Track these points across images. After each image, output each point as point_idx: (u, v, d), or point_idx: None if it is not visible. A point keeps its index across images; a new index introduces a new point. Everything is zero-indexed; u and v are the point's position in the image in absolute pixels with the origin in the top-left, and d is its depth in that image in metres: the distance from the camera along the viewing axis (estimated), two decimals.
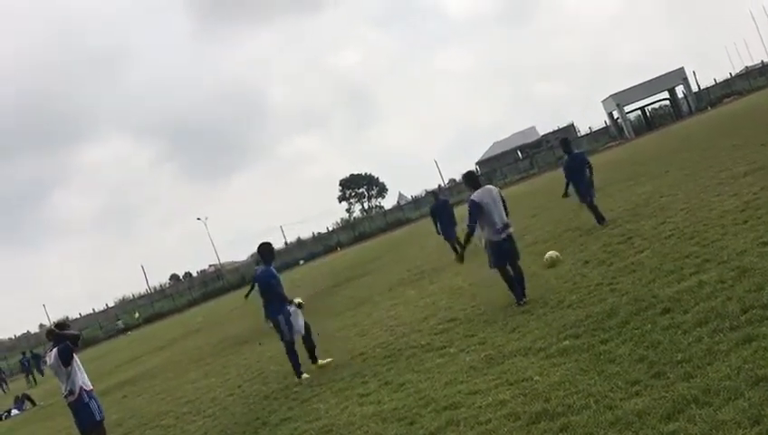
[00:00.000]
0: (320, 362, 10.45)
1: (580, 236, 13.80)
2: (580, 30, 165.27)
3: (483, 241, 9.92)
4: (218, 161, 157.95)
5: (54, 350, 8.28)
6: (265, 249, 10.95)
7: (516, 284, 9.60)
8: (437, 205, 19.04)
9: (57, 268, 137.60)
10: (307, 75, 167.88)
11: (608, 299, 8.01)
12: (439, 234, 18.58)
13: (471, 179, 10.17)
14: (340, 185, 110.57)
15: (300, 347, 10.44)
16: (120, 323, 70.39)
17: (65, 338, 8.39)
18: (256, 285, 11.25)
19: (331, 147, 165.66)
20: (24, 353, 41.98)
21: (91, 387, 8.54)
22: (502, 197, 9.74)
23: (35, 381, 36.39)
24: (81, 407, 8.30)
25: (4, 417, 22.09)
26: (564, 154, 14.67)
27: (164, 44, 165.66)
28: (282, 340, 10.51)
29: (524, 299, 9.41)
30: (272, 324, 10.94)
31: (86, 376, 8.51)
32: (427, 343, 9.24)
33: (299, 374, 10.10)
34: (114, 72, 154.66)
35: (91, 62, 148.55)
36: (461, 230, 10.79)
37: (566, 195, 14.72)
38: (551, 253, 11.34)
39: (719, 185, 13.59)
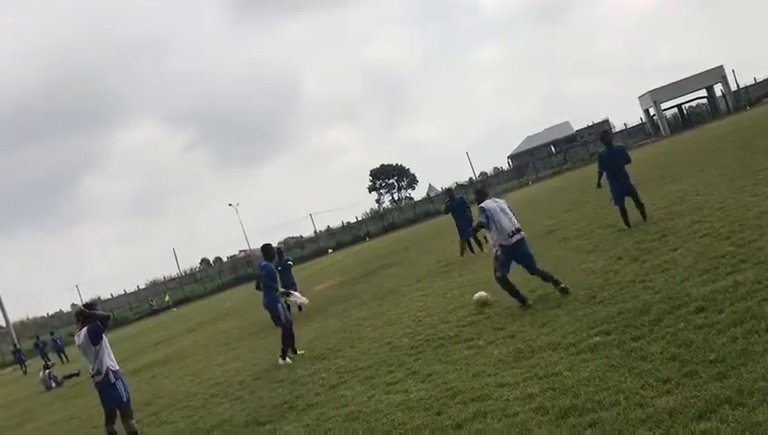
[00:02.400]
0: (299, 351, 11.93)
1: (612, 232, 13.64)
2: (617, 26, 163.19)
3: (492, 243, 10.05)
4: (251, 149, 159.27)
5: (84, 329, 8.40)
6: (265, 249, 12.74)
7: (547, 279, 9.66)
8: (453, 203, 19.07)
9: (90, 250, 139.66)
10: (341, 66, 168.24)
11: (640, 296, 7.93)
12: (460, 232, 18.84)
13: (479, 194, 10.46)
14: (371, 175, 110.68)
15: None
16: (153, 303, 71.40)
17: (95, 318, 8.50)
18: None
19: (362, 137, 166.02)
20: (38, 337, 42.50)
21: (118, 367, 8.65)
22: (509, 207, 10.00)
23: (25, 371, 36.76)
24: (107, 387, 8.41)
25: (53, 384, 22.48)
26: (603, 146, 14.45)
27: (199, 33, 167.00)
28: (278, 325, 12.05)
29: (562, 284, 9.44)
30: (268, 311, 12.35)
31: (114, 357, 8.63)
32: (455, 334, 9.23)
33: (284, 356, 11.59)
34: (150, 59, 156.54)
35: (128, 49, 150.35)
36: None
37: (599, 185, 14.53)
38: (479, 294, 11.08)
39: (756, 185, 13.35)
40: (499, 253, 9.81)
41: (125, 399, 8.49)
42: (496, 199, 10.10)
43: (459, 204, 19.06)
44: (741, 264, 7.92)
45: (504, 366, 6.99)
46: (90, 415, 12.52)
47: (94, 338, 8.33)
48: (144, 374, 16.80)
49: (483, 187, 11.04)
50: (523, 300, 9.64)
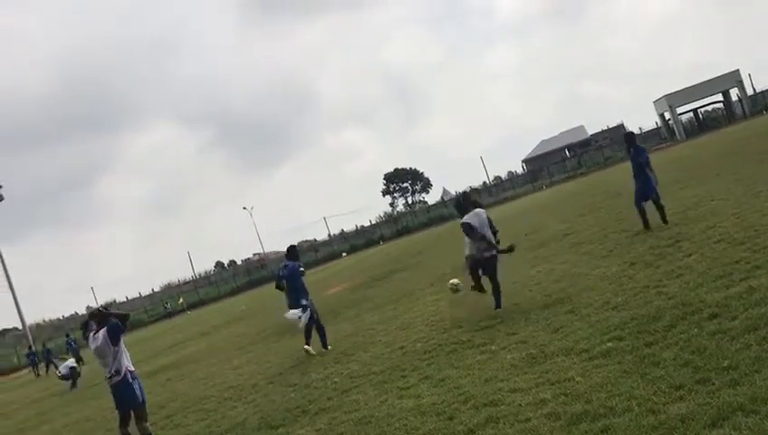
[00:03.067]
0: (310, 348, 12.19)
1: (627, 237, 13.61)
2: (632, 29, 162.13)
3: (466, 252, 10.74)
4: (266, 152, 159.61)
5: (103, 330, 8.41)
6: (290, 250, 13.11)
7: (493, 295, 10.54)
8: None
9: (106, 252, 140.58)
10: (356, 69, 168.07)
11: (653, 302, 7.91)
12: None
13: (460, 206, 11.05)
14: (385, 179, 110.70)
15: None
16: (168, 306, 71.72)
17: (114, 317, 8.54)
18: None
19: (377, 141, 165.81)
20: (30, 347, 42.30)
21: (134, 369, 8.69)
22: (489, 219, 10.58)
23: (38, 374, 36.72)
24: (125, 387, 8.43)
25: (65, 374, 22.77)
26: (630, 148, 14.46)
27: (215, 36, 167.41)
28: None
29: (499, 309, 10.32)
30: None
31: (130, 358, 8.67)
32: (468, 339, 9.23)
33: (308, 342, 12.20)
34: (165, 61, 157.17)
35: (143, 52, 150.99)
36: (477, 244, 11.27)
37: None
38: (452, 281, 11.97)
39: None
40: (468, 261, 10.67)
41: (141, 400, 8.53)
42: (478, 211, 10.58)
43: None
44: (756, 270, 7.88)
45: (516, 371, 6.99)
46: (104, 417, 12.61)
47: (114, 338, 8.35)
48: (158, 377, 16.89)
49: (465, 196, 11.17)
50: (480, 289, 10.62)
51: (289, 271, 12.62)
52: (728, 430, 4.25)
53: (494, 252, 10.41)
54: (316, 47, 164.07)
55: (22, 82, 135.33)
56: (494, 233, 10.56)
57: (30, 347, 43.57)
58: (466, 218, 10.50)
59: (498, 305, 10.41)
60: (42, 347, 40.05)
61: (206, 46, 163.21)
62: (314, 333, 12.34)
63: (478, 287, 10.73)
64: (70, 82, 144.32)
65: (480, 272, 10.61)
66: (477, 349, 8.51)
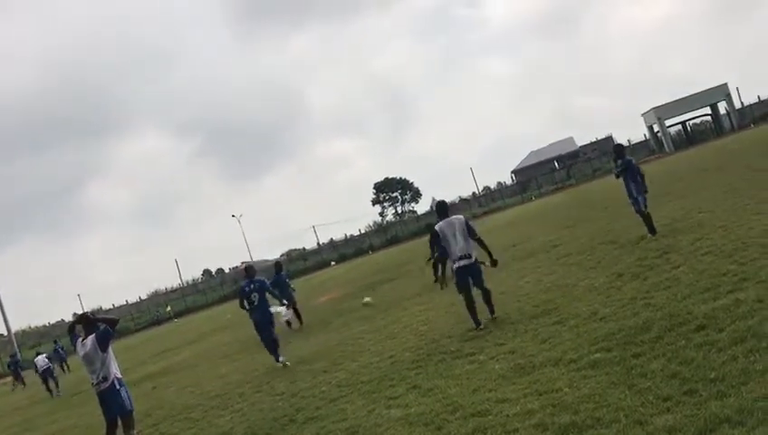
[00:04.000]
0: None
1: (615, 249, 13.66)
2: (622, 43, 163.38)
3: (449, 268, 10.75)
4: (255, 160, 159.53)
5: (91, 336, 8.32)
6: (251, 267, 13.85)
7: (485, 303, 10.37)
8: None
9: (93, 259, 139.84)
10: (346, 79, 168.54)
11: (641, 313, 7.93)
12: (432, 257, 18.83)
13: (439, 210, 10.83)
14: (375, 188, 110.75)
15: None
16: (160, 313, 71.52)
17: (102, 322, 8.46)
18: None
19: (367, 150, 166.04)
20: (12, 356, 41.76)
21: (121, 376, 8.62)
22: (468, 226, 10.34)
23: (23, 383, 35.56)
24: (112, 394, 8.33)
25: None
26: (618, 160, 14.53)
27: (206, 44, 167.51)
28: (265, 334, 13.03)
29: (494, 315, 10.34)
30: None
31: (118, 365, 8.61)
32: (457, 349, 9.23)
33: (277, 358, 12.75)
34: (156, 69, 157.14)
35: (133, 59, 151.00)
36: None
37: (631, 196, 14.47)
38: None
39: (759, 204, 13.36)
40: (454, 273, 10.49)
41: (128, 408, 8.44)
42: (454, 220, 10.42)
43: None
44: (743, 282, 7.91)
45: (504, 382, 6.99)
46: (91, 424, 12.52)
47: (104, 344, 8.27)
48: (145, 385, 16.79)
49: (442, 203, 11.15)
50: (478, 324, 10.10)
51: (260, 286, 13.20)
52: None
53: (467, 262, 10.19)
54: (307, 56, 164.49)
55: (11, 87, 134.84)
56: (477, 240, 10.30)
57: (13, 355, 43.06)
58: (438, 225, 10.49)
59: (492, 312, 10.37)
60: (53, 344, 39.62)
61: (197, 54, 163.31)
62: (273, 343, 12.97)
63: (440, 281, 10.68)
64: (60, 88, 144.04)
65: (466, 285, 10.36)
66: (466, 359, 8.50)
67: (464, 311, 10.46)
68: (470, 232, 10.26)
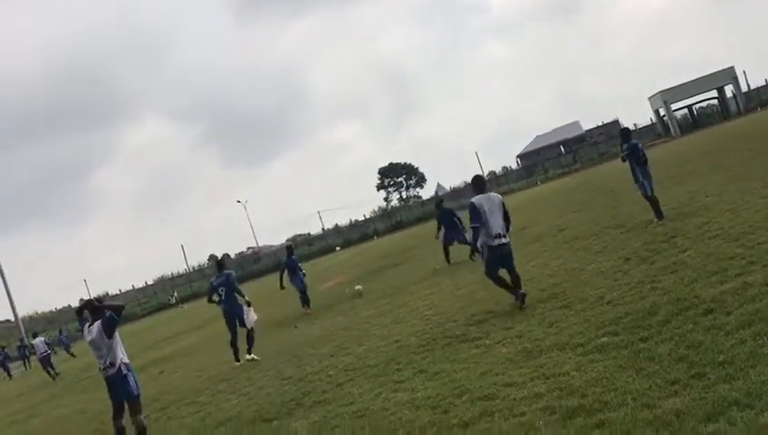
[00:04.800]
0: (252, 355, 12.90)
1: (622, 233, 13.62)
2: (628, 26, 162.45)
3: (480, 244, 10.04)
4: (260, 146, 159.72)
5: (98, 322, 8.35)
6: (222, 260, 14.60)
7: (513, 285, 9.84)
8: (444, 213, 19.17)
9: (99, 245, 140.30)
10: (350, 64, 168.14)
11: (648, 297, 7.91)
12: (437, 238, 19.30)
13: (476, 184, 10.34)
14: (379, 173, 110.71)
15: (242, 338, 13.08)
16: (173, 298, 71.77)
17: (108, 309, 8.49)
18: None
19: (371, 135, 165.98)
20: (21, 340, 42.03)
21: (129, 361, 8.66)
22: (504, 206, 9.93)
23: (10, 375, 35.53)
24: (120, 380, 8.36)
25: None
26: (624, 143, 14.45)
27: (208, 30, 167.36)
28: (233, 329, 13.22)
29: (522, 291, 9.70)
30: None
31: (124, 350, 8.64)
32: (463, 333, 9.23)
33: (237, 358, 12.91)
34: (159, 55, 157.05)
35: (135, 46, 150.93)
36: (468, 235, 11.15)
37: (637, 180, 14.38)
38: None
39: (766, 187, 13.29)
40: (486, 252, 9.93)
41: (135, 393, 8.46)
42: (492, 195, 10.04)
43: (448, 214, 19.28)
44: (750, 266, 7.89)
45: (511, 365, 6.99)
46: (97, 409, 12.57)
47: (109, 330, 8.29)
48: (152, 370, 16.88)
49: (479, 177, 10.74)
50: (517, 294, 9.71)
51: (225, 279, 13.43)
52: (723, 424, 4.24)
53: (505, 241, 9.75)
54: (309, 41, 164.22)
55: (15, 74, 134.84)
56: (507, 221, 9.90)
57: (21, 340, 43.43)
58: (475, 199, 9.86)
59: (519, 296, 9.75)
60: (57, 333, 39.94)
61: (199, 41, 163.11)
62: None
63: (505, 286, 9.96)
64: (64, 75, 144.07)
65: (497, 268, 9.92)
66: (472, 343, 8.50)
67: (496, 289, 10.16)
68: (505, 213, 9.88)
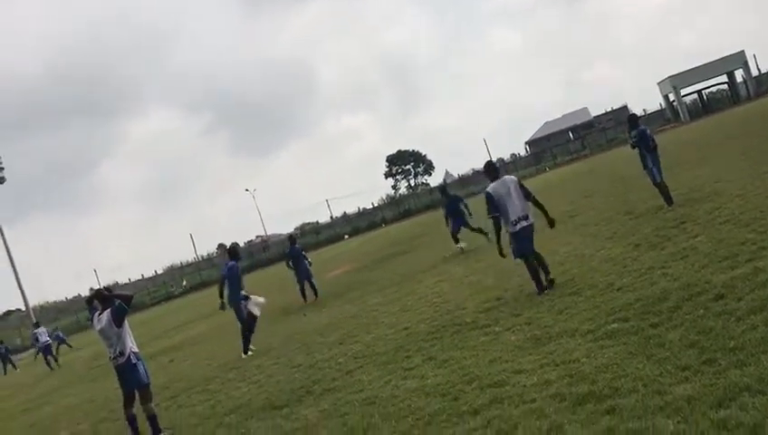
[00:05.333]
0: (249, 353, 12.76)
1: (631, 219, 13.57)
2: (637, 10, 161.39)
3: (503, 234, 9.86)
4: (267, 136, 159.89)
5: (107, 311, 8.40)
6: (233, 249, 13.95)
7: (540, 267, 9.66)
8: (450, 201, 19.10)
9: (109, 235, 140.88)
10: (357, 52, 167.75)
11: (659, 283, 7.87)
12: (448, 226, 19.13)
13: (489, 170, 10.19)
14: (387, 161, 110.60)
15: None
16: (185, 285, 72.10)
17: (117, 298, 8.52)
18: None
19: (379, 123, 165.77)
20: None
21: (138, 350, 8.70)
22: (522, 186, 9.73)
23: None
24: (129, 368, 8.43)
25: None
26: (632, 130, 14.35)
27: (214, 21, 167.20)
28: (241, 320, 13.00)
29: (549, 276, 9.56)
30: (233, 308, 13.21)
31: (134, 339, 8.68)
32: (472, 320, 9.22)
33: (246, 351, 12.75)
34: (165, 47, 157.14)
35: (142, 37, 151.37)
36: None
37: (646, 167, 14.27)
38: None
39: None
40: (511, 240, 9.76)
41: (145, 381, 8.53)
42: (506, 179, 9.83)
43: (454, 202, 19.18)
44: (761, 251, 7.83)
45: (521, 352, 6.98)
46: (107, 398, 12.65)
47: (119, 319, 8.34)
48: (161, 358, 16.95)
49: (490, 163, 10.58)
50: (541, 288, 9.55)
51: (227, 271, 13.29)
52: (735, 410, 4.22)
53: (525, 223, 9.56)
54: (315, 31, 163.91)
55: (24, 66, 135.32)
56: (533, 200, 9.72)
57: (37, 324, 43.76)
58: (490, 187, 9.72)
59: (548, 272, 9.68)
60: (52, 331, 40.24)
61: (205, 31, 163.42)
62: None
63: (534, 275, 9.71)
64: (73, 67, 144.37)
65: (527, 251, 9.70)
66: (481, 330, 8.49)
67: (526, 275, 9.91)
68: (525, 192, 9.67)
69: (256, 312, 13.05)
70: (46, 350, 27.11)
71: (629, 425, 4.48)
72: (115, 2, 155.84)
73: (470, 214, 18.41)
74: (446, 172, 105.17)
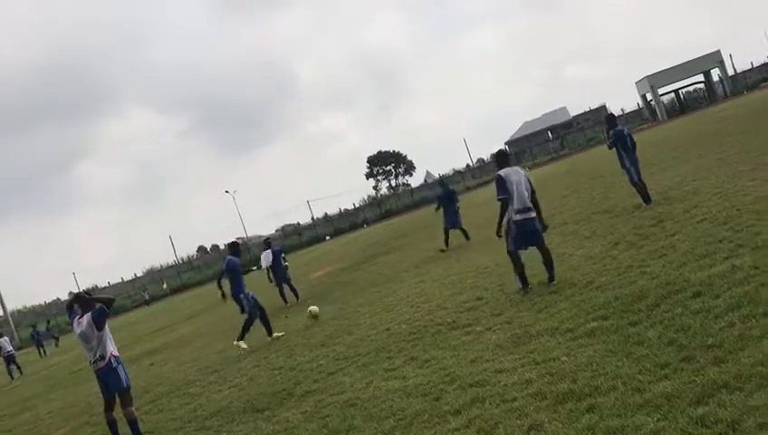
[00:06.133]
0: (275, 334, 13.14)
1: (610, 218, 13.67)
2: (614, 11, 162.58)
3: (506, 220, 9.78)
4: (246, 137, 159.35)
5: (87, 314, 8.33)
6: (234, 245, 14.17)
7: (545, 267, 9.57)
8: (445, 193, 19.27)
9: (87, 238, 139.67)
10: (336, 53, 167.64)
11: (638, 281, 7.93)
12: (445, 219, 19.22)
13: (501, 158, 10.15)
14: (368, 162, 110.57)
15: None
16: (146, 294, 71.02)
17: (98, 301, 8.45)
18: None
19: (359, 124, 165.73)
20: (34, 326, 42.62)
21: (119, 354, 8.63)
22: (529, 180, 9.66)
23: (45, 352, 37.32)
24: (110, 372, 8.37)
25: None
26: (610, 130, 14.46)
27: (193, 21, 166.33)
28: (246, 311, 13.21)
29: (554, 282, 9.34)
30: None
31: (114, 343, 8.61)
32: (453, 320, 9.24)
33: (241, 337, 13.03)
34: (145, 47, 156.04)
35: (120, 37, 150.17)
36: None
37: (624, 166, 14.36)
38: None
39: (753, 170, 13.33)
40: (512, 227, 9.63)
41: (126, 385, 8.47)
42: (518, 169, 9.79)
43: (449, 194, 19.36)
44: (738, 248, 7.91)
45: (501, 352, 7.00)
46: (89, 402, 12.54)
47: (99, 323, 8.27)
48: (142, 362, 16.82)
49: (503, 151, 10.55)
50: (524, 284, 9.57)
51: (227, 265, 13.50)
52: (713, 407, 4.26)
53: (530, 215, 9.45)
54: (296, 31, 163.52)
55: (1, 66, 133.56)
56: (533, 199, 9.59)
57: (34, 326, 43.60)
58: (501, 171, 9.62)
59: (552, 278, 9.46)
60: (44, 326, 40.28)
61: (185, 31, 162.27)
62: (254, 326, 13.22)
63: (520, 271, 9.71)
64: (49, 66, 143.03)
65: (523, 245, 9.61)
66: (462, 330, 8.51)
67: (506, 274, 9.91)
68: (531, 188, 9.59)
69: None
70: (9, 359, 26.91)
71: (609, 423, 4.51)
72: (94, 3, 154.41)
73: (459, 213, 18.69)
74: (427, 172, 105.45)
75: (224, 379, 10.70)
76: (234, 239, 15.11)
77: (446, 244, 18.50)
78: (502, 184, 9.51)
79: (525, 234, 9.53)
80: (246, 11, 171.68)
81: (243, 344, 12.81)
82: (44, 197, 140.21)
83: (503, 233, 9.87)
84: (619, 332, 6.33)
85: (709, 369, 4.82)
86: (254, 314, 13.07)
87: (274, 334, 13.05)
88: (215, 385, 10.47)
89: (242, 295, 13.13)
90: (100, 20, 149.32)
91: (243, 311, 13.22)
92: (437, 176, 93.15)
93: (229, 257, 13.61)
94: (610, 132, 14.38)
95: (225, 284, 13.55)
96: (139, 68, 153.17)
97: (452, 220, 18.74)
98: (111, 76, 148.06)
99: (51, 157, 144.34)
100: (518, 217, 9.46)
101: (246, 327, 13.02)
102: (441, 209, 19.09)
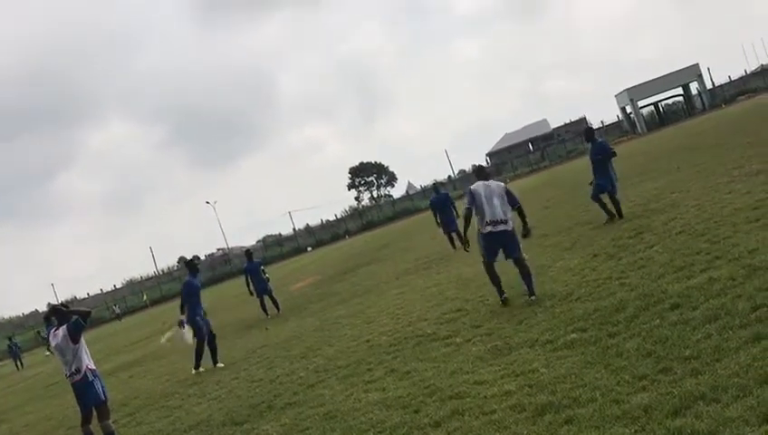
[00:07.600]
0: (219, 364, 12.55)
1: (590, 229, 13.75)
2: (594, 24, 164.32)
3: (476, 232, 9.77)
4: (228, 147, 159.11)
5: (63, 327, 8.25)
6: (190, 263, 13.98)
7: (524, 281, 9.48)
8: (439, 198, 19.47)
9: (66, 248, 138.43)
10: (317, 64, 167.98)
11: (616, 293, 7.97)
12: (439, 226, 19.45)
13: (478, 173, 10.18)
14: (350, 173, 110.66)
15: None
16: (116, 308, 70.02)
17: (74, 314, 8.37)
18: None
19: (341, 135, 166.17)
20: (11, 338, 42.17)
21: (95, 367, 8.54)
22: (509, 193, 9.60)
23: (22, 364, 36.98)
24: (86, 386, 8.29)
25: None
26: (588, 142, 14.59)
27: (173, 32, 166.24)
28: (197, 337, 12.78)
29: (534, 296, 9.19)
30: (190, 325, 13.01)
31: (91, 355, 8.52)
32: (433, 332, 9.23)
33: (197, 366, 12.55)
34: (123, 57, 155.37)
35: (99, 47, 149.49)
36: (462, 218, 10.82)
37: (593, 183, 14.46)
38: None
39: (731, 182, 13.48)
40: (480, 240, 9.64)
41: (103, 398, 8.38)
42: (492, 183, 9.73)
43: (444, 199, 19.59)
44: (716, 260, 7.98)
45: (481, 363, 7.00)
46: (66, 415, 12.38)
47: (75, 335, 8.19)
48: (120, 374, 16.65)
49: (482, 167, 10.63)
50: (501, 295, 9.55)
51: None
52: (690, 418, 4.28)
53: (500, 228, 9.32)
54: (276, 42, 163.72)
55: None
56: (518, 209, 9.54)
57: (10, 338, 43.10)
58: (473, 185, 9.62)
59: (532, 292, 9.26)
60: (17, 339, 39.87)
61: (165, 42, 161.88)
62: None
63: (496, 283, 9.70)
64: (27, 75, 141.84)
65: (501, 256, 9.54)
66: (442, 341, 8.50)
67: (488, 284, 9.86)
68: (511, 199, 9.48)
69: (187, 339, 13.06)
70: None
71: (588, 434, 4.52)
72: (73, 12, 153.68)
73: (457, 215, 18.64)
74: (409, 184, 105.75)
75: (203, 391, 10.60)
76: (190, 257, 14.76)
77: (453, 246, 18.73)
78: (470, 197, 9.56)
79: (496, 245, 9.50)
80: (227, 22, 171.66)
81: (201, 369, 12.52)
82: (22, 206, 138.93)
83: (468, 240, 9.90)
84: (597, 343, 6.36)
85: (686, 380, 4.85)
86: (203, 338, 12.71)
87: (219, 365, 12.48)
88: (194, 398, 10.37)
89: (198, 318, 12.82)
90: (82, 30, 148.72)
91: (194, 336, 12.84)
92: (419, 187, 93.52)
93: (188, 280, 13.26)
94: (589, 145, 14.49)
95: (186, 309, 13.05)
96: (120, 77, 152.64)
97: (449, 224, 18.87)
98: (92, 85, 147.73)
99: (29, 166, 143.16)
100: (486, 229, 9.43)
101: (199, 354, 12.65)
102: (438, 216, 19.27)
